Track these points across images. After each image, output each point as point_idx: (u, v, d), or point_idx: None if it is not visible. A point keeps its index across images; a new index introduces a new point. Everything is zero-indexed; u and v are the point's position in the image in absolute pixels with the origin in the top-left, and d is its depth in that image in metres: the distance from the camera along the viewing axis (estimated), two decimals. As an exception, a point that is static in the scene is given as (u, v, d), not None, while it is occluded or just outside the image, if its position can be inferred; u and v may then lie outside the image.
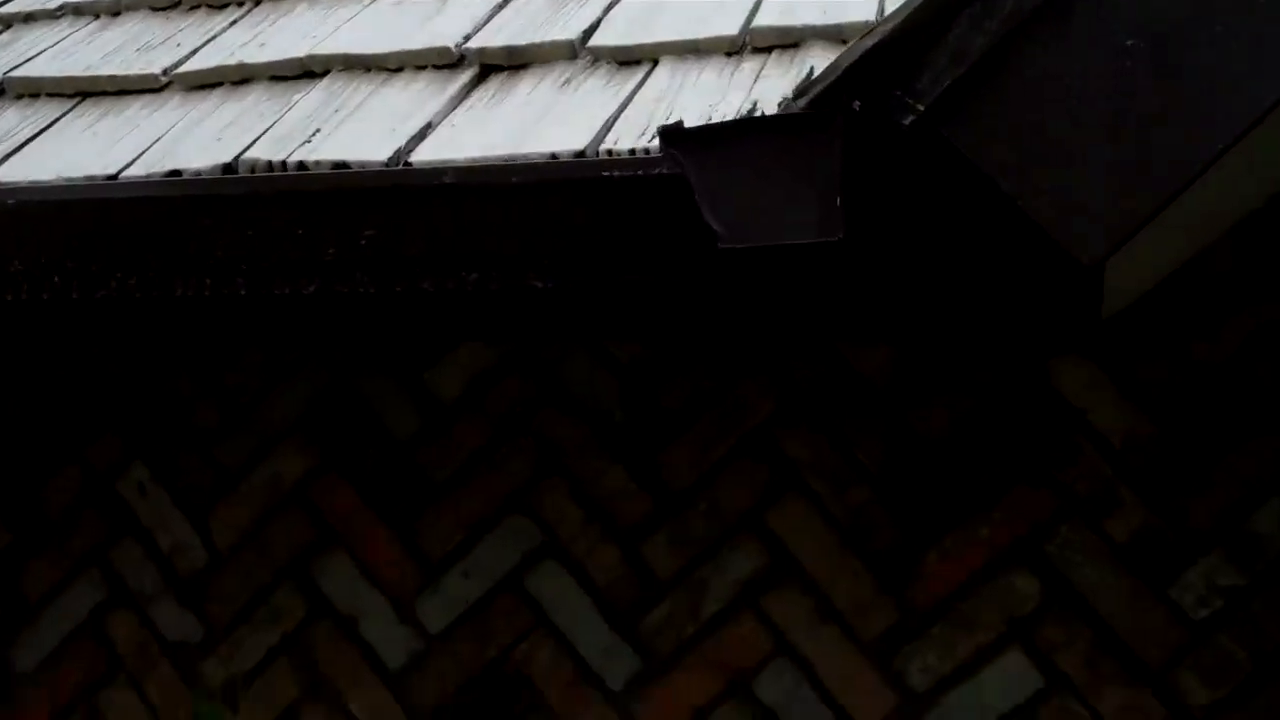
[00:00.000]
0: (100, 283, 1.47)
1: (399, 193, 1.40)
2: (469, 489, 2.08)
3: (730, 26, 1.53)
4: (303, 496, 2.16)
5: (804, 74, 1.37)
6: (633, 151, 1.32)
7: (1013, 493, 1.92)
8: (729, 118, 1.26)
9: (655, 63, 1.54)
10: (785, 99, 1.26)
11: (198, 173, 1.48)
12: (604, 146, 1.36)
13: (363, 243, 1.40)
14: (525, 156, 1.38)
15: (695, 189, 1.20)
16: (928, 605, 1.94)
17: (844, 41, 1.44)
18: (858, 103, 1.19)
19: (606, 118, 1.41)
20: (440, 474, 2.11)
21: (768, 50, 1.50)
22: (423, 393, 2.12)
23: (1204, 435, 1.85)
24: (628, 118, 1.41)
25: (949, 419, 1.94)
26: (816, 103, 1.20)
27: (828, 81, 1.20)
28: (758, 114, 1.25)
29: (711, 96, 1.40)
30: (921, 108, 1.19)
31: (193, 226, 1.44)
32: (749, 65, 1.48)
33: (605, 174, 1.32)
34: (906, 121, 1.19)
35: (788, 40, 1.50)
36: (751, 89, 1.39)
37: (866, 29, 1.39)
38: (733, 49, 1.53)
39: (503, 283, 1.37)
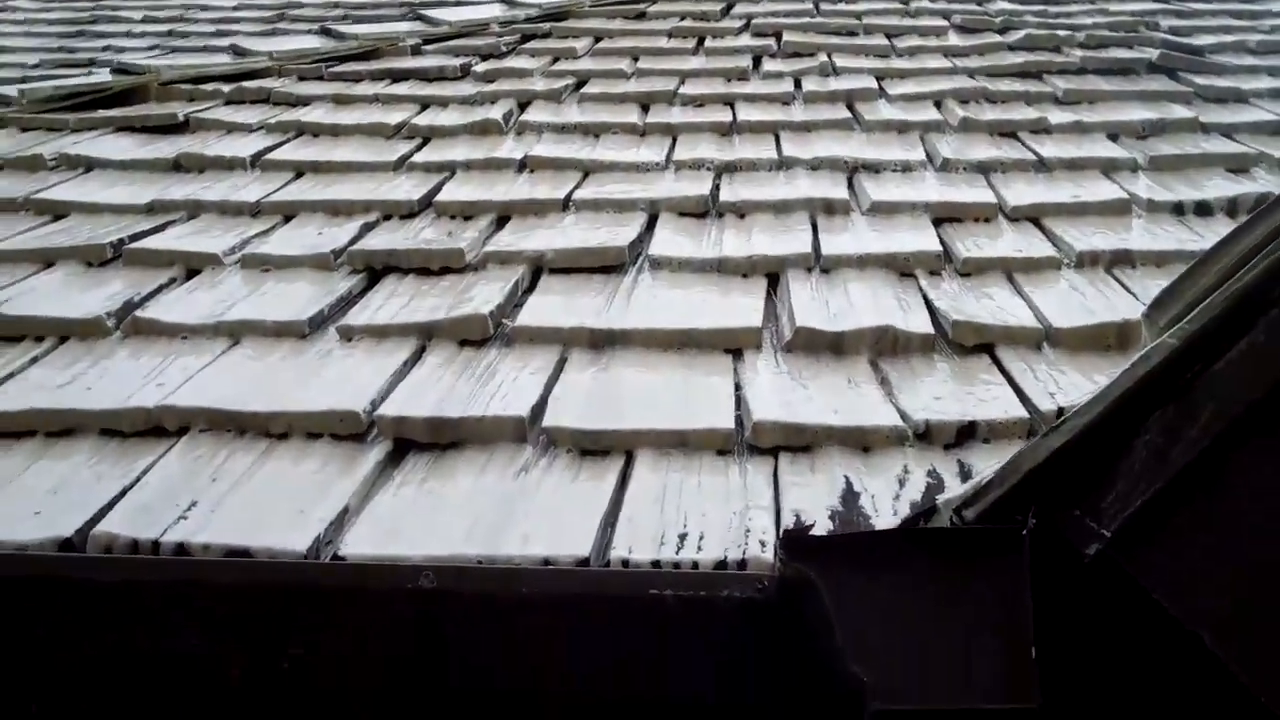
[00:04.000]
0: None
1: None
2: None
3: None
4: None
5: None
6: (695, 565, 0.97)
7: None
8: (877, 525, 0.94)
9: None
10: (946, 502, 0.93)
11: (22, 547, 1.00)
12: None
13: (285, 665, 0.95)
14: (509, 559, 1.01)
15: (837, 623, 0.85)
16: None
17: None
18: (1032, 521, 0.90)
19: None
20: None
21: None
22: None
23: None
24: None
25: None
26: (989, 516, 0.90)
27: (1004, 488, 0.90)
28: (930, 524, 0.92)
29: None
30: (1107, 533, 0.92)
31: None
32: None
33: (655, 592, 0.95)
34: (1090, 551, 0.91)
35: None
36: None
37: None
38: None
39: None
